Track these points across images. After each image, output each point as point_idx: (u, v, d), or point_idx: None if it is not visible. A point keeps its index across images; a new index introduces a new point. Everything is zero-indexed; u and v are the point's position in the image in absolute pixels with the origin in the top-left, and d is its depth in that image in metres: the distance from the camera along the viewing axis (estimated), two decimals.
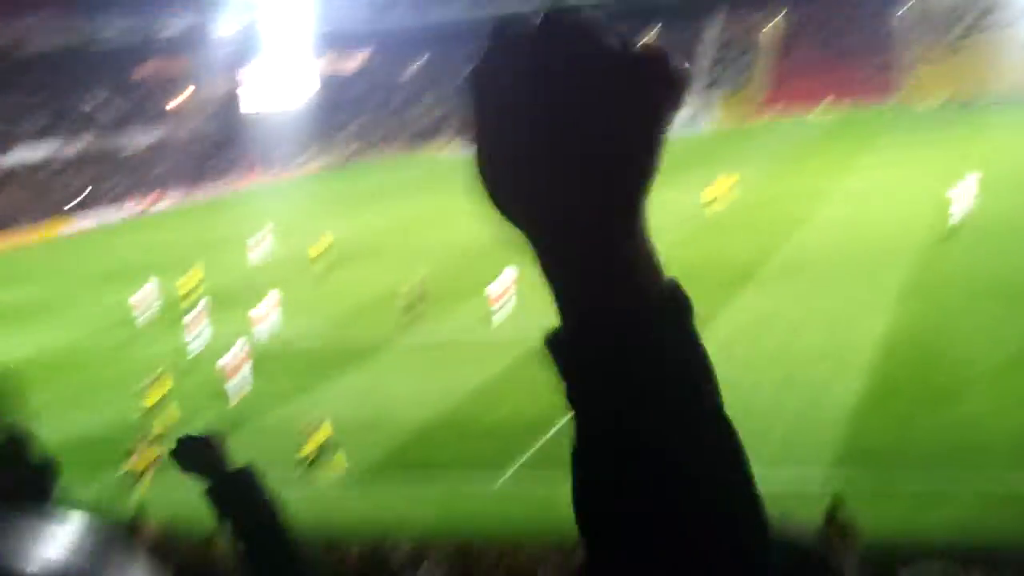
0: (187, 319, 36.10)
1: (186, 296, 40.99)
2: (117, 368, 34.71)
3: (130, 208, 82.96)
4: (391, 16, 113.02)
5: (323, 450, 23.47)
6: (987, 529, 17.12)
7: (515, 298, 34.08)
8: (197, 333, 35.51)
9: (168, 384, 28.17)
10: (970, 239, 37.41)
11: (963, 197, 39.93)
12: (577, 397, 1.16)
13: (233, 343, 31.31)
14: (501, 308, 34.17)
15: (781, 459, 19.91)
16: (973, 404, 22.59)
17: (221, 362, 30.15)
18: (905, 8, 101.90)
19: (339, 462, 23.52)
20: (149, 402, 28.09)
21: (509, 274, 34.41)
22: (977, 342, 26.61)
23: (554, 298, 1.16)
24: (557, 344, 1.16)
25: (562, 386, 1.17)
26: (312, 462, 23.32)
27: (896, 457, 20.48)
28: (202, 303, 37.04)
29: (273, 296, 37.15)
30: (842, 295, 32.47)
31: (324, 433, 23.68)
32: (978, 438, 20.82)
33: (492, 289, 34.32)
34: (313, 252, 46.13)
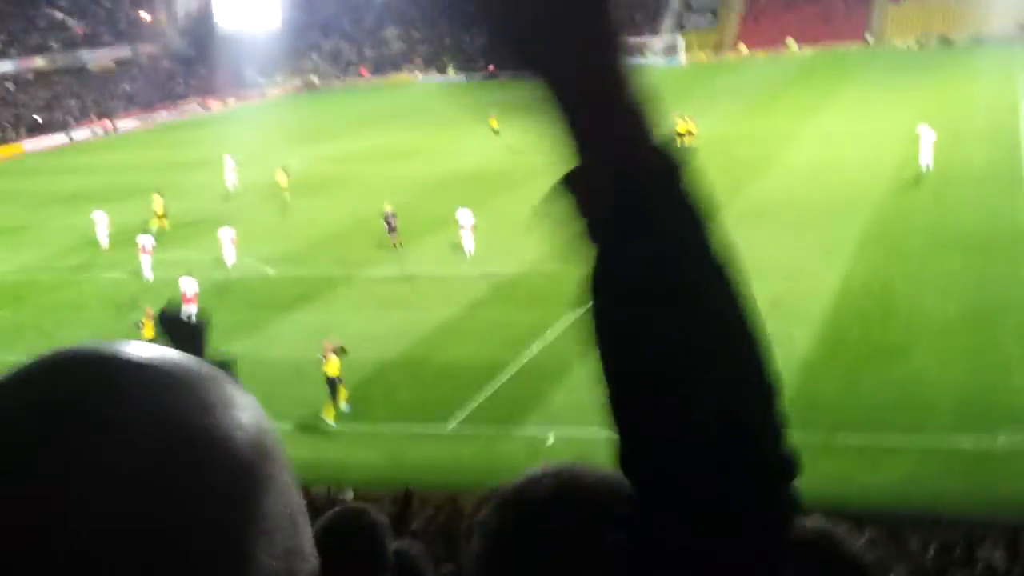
0: (144, 244, 35.83)
1: (149, 220, 40.78)
2: (78, 292, 34.61)
3: (94, 128, 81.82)
4: None
5: (333, 381, 23.31)
6: (927, 489, 17.38)
7: (473, 240, 34.09)
8: (151, 260, 35.42)
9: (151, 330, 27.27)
10: (936, 187, 37.45)
11: (930, 143, 39.79)
12: (589, 232, 1.26)
13: (191, 269, 31.34)
14: (463, 245, 34.18)
15: None
16: (921, 360, 22.75)
17: (182, 286, 29.97)
18: None
19: (343, 393, 23.42)
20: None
21: (466, 215, 34.33)
22: (931, 295, 26.74)
23: (564, 138, 1.25)
24: (569, 179, 1.27)
25: (576, 223, 1.27)
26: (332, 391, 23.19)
27: (842, 412, 20.66)
28: (148, 238, 36.50)
29: (234, 224, 37.02)
30: (802, 241, 32.48)
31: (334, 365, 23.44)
32: (924, 395, 21.04)
33: (460, 217, 34.28)
34: (277, 180, 45.73)
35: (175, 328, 4.02)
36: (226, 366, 4.09)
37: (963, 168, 39.14)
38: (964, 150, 41.42)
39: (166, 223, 41.20)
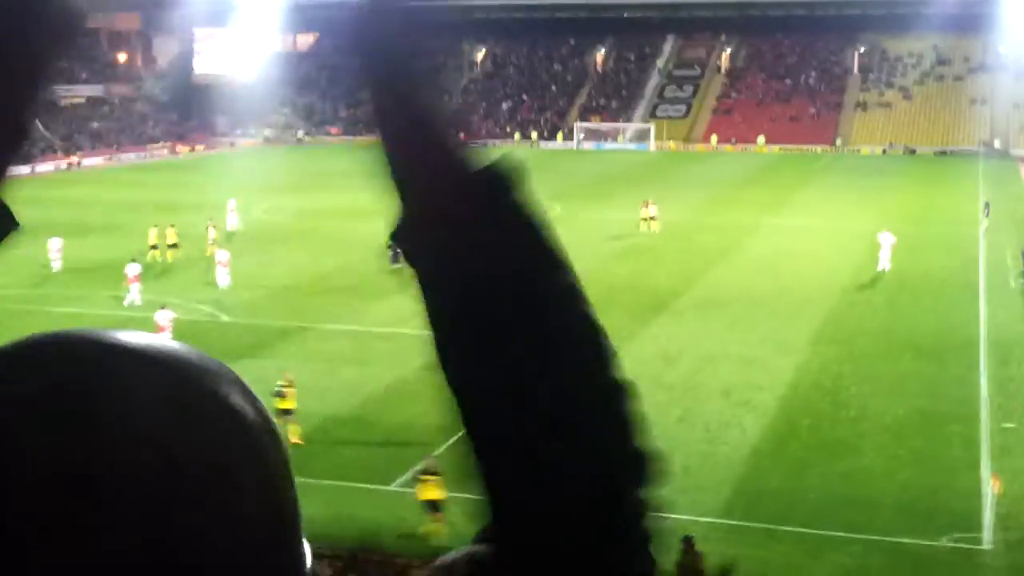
0: (130, 273, 36.07)
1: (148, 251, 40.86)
2: (40, 323, 34.16)
3: (59, 162, 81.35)
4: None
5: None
6: None
7: None
8: (131, 293, 35.91)
9: None
10: (892, 290, 37.93)
11: (889, 247, 40.42)
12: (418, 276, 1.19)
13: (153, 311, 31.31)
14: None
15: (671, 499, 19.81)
16: (868, 458, 22.84)
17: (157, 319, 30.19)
18: (860, 50, 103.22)
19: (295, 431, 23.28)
20: None
21: None
22: (880, 395, 26.94)
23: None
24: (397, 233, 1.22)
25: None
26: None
27: (786, 502, 20.64)
28: (136, 267, 36.51)
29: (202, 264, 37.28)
30: (757, 332, 32.66)
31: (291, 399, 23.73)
32: (868, 493, 21.07)
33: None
34: (205, 233, 45.26)
35: None
36: None
37: (920, 274, 39.72)
38: (922, 256, 42.07)
39: (170, 255, 42.53)
